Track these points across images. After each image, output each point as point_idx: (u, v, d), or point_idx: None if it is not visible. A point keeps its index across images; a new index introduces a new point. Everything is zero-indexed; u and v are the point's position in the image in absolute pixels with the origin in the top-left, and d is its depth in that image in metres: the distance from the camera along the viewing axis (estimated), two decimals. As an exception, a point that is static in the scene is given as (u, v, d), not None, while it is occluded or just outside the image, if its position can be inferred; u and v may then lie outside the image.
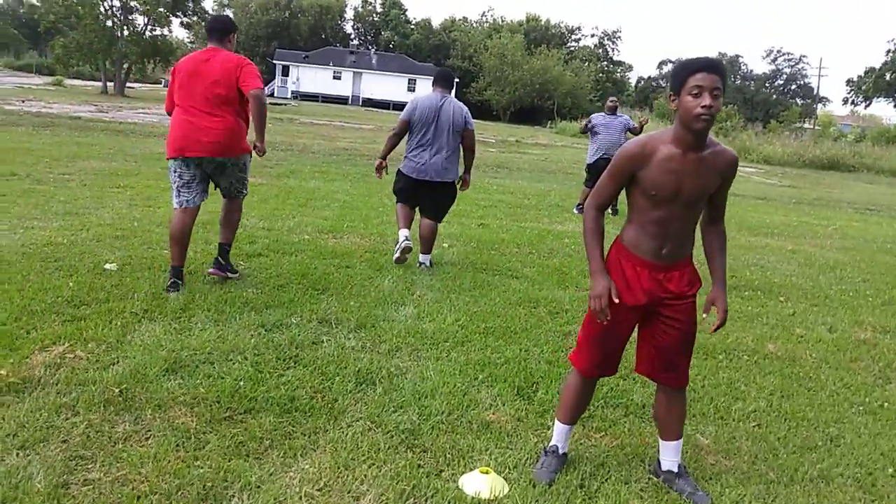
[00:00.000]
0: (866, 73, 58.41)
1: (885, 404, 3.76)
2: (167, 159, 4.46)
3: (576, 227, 8.56)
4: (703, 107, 2.25)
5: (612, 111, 9.83)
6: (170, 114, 4.47)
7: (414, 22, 74.27)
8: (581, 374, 2.69)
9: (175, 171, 4.42)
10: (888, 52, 55.55)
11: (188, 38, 66.85)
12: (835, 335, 4.98)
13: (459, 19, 74.13)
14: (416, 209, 5.80)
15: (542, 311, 4.76)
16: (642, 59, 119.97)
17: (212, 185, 4.63)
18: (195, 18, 43.34)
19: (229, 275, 4.73)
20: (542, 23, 72.27)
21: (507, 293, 5.12)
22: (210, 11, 46.95)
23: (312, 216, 7.56)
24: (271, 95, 59.15)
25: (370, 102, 57.78)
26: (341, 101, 56.09)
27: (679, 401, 2.66)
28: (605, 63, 73.07)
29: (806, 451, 3.12)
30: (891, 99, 57.05)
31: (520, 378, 3.55)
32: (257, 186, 9.43)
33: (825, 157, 30.12)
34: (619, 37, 78.24)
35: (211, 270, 4.69)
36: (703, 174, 2.39)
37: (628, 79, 78.86)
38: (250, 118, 4.49)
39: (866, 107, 62.80)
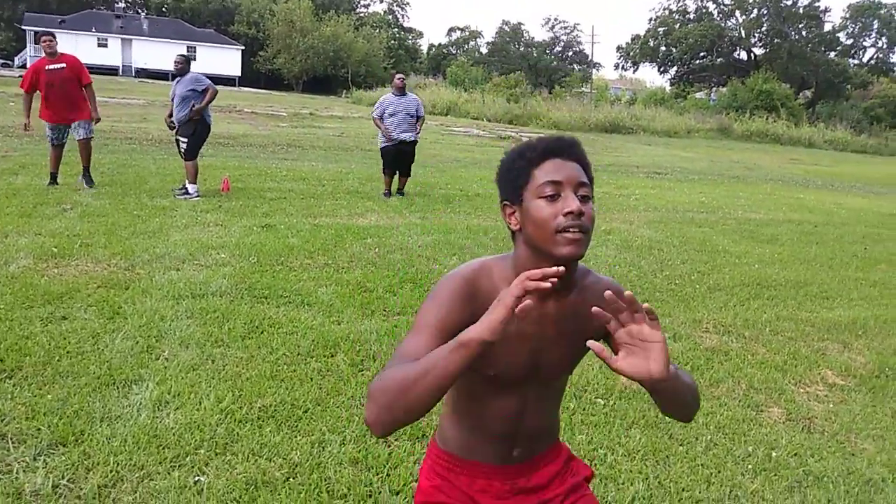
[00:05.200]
0: (633, 39, 63.10)
1: (772, 453, 3.06)
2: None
3: (379, 220, 7.44)
4: (567, 214, 1.20)
5: (401, 91, 8.94)
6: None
7: (190, -17, 68.00)
8: None
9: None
10: (650, 20, 60.44)
11: None
12: (681, 345, 4.33)
13: (240, -19, 69.04)
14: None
15: (341, 363, 3.56)
16: (432, 26, 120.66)
17: None
18: None
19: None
20: (330, -13, 69.56)
21: (295, 336, 3.86)
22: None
23: (36, 232, 5.68)
24: (23, 67, 51.29)
25: (145, 73, 52.13)
26: (110, 71, 49.90)
27: None
28: (396, 30, 72.24)
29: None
30: (654, 63, 62.29)
31: (311, 508, 2.35)
32: (-37, 190, 7.20)
33: (607, 121, 31.76)
34: (408, 3, 77.84)
35: None
36: (573, 332, 1.32)
37: (420, 46, 78.84)
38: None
39: (634, 71, 68.31)
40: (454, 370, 1.07)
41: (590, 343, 1.11)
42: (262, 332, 3.86)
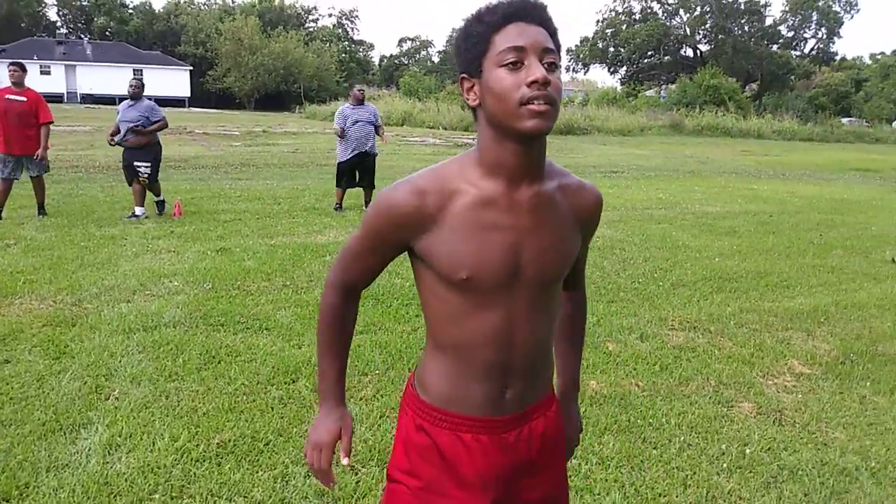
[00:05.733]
0: (581, 42, 63.94)
1: (746, 449, 3.02)
2: None
3: (338, 236, 7.31)
4: (532, 83, 1.11)
5: (360, 101, 8.86)
6: None
7: (132, 6, 66.98)
8: None
9: None
10: (597, 22, 61.37)
11: None
12: (649, 345, 4.29)
13: (185, 1, 68.15)
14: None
15: (303, 388, 3.43)
16: (383, 38, 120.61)
17: None
18: None
19: None
20: (277, 3, 69.10)
21: (254, 363, 3.72)
22: None
23: (-25, 270, 5.42)
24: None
25: (91, 98, 51.01)
26: (54, 99, 48.65)
27: None
28: (347, 43, 72.09)
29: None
30: (604, 64, 63.20)
31: (276, 548, 2.22)
32: None
33: (562, 123, 31.93)
34: (357, 16, 77.85)
35: None
36: (554, 224, 1.24)
37: (371, 58, 78.76)
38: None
39: (585, 73, 69.17)
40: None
41: None
42: (218, 363, 3.71)
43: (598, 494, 2.63)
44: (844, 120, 44.63)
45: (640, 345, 4.28)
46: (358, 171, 8.84)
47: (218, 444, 2.85)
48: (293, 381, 3.51)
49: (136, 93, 7.85)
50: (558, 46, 1.18)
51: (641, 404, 3.43)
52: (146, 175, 7.89)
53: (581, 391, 3.47)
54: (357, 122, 8.66)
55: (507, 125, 1.14)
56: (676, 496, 2.66)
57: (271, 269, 5.73)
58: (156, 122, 7.92)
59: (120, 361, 3.66)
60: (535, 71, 1.11)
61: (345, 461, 1.34)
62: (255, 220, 8.05)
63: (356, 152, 8.67)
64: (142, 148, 7.87)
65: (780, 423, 3.33)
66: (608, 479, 2.75)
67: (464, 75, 1.20)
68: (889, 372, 3.99)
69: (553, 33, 1.18)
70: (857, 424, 3.33)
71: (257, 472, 2.66)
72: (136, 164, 7.85)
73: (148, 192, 8.07)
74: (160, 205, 8.17)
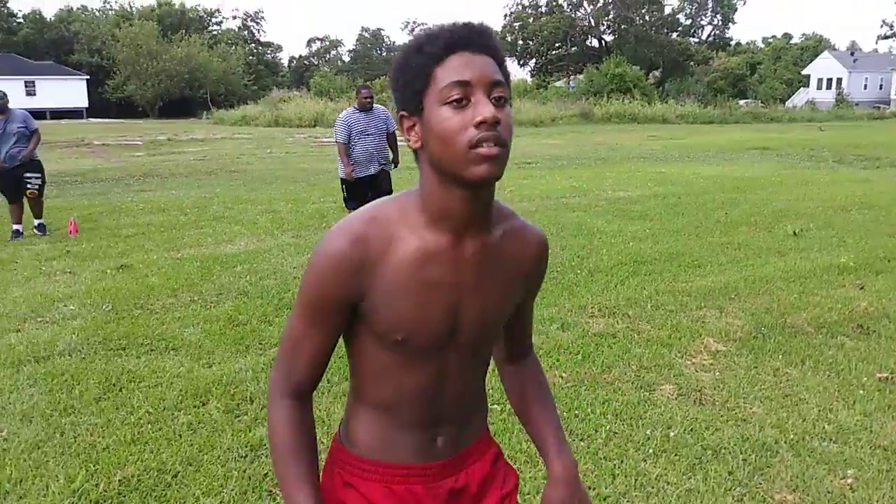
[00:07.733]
0: (492, 36, 64.67)
1: (670, 433, 3.02)
2: None
3: (248, 244, 7.02)
4: (480, 124, 0.97)
5: (368, 107, 6.65)
6: None
7: (20, 15, 63.20)
8: None
9: None
10: (505, 16, 62.19)
11: None
12: (570, 334, 4.28)
13: (78, 9, 64.85)
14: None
15: (213, 411, 3.23)
16: (291, 39, 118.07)
17: None
18: None
19: None
20: (177, 7, 66.68)
21: (160, 388, 3.47)
22: None
23: None
24: None
25: (-21, 114, 47.83)
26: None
27: None
28: (254, 45, 70.41)
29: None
30: (514, 57, 64.18)
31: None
32: None
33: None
34: (263, 17, 76.11)
35: None
36: (498, 281, 1.13)
37: (280, 59, 77.23)
38: None
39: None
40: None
41: None
42: (119, 390, 3.45)
43: (529, 494, 2.56)
44: (741, 102, 46.75)
45: (561, 335, 4.26)
46: (371, 193, 6.49)
47: (120, 481, 2.62)
48: (203, 404, 3.30)
49: (3, 104, 7.26)
50: (507, 77, 1.04)
51: (566, 395, 3.40)
52: (36, 187, 7.55)
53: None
54: (366, 130, 6.62)
55: (453, 171, 1.00)
56: (605, 487, 2.62)
57: (177, 284, 5.44)
58: (32, 131, 7.48)
59: (8, 398, 3.35)
60: (483, 109, 0.97)
61: None
62: (160, 233, 7.66)
63: (365, 175, 6.67)
64: (31, 160, 7.51)
65: (701, 402, 3.37)
66: (537, 476, 2.68)
67: (403, 113, 1.05)
68: (798, 343, 4.12)
69: (501, 62, 1.04)
70: (772, 398, 3.40)
71: (164, 510, 2.46)
72: (26, 176, 7.42)
73: (25, 216, 7.59)
74: (41, 228, 7.64)
